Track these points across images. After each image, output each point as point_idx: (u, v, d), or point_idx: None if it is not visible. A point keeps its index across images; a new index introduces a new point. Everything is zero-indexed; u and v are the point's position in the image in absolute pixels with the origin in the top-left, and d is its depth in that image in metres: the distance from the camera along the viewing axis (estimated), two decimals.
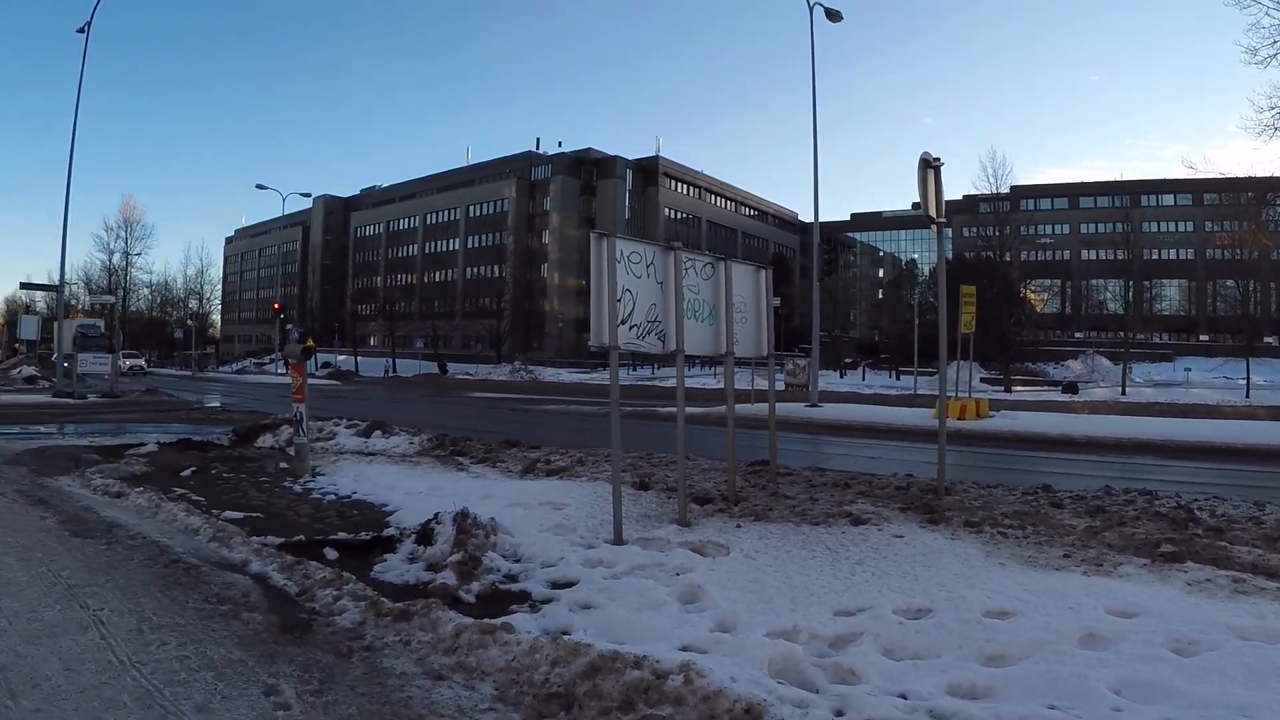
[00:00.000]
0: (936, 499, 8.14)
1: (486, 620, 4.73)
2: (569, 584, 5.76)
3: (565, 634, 4.56)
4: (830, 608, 5.05)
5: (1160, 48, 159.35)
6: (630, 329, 6.92)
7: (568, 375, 60.43)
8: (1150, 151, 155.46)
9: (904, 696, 3.83)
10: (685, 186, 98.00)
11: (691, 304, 7.57)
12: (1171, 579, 5.40)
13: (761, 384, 27.10)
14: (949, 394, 10.41)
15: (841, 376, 57.41)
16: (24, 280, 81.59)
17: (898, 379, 54.26)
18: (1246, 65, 24.53)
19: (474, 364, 73.76)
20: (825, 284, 34.31)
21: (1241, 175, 30.73)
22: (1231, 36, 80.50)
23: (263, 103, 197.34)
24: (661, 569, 5.90)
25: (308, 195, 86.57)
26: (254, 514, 8.35)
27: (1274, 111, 21.75)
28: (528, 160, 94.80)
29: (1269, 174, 30.60)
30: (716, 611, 5.01)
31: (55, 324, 34.14)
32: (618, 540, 6.68)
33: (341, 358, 75.76)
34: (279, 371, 60.74)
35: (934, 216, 9.07)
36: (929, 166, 8.87)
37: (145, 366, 59.97)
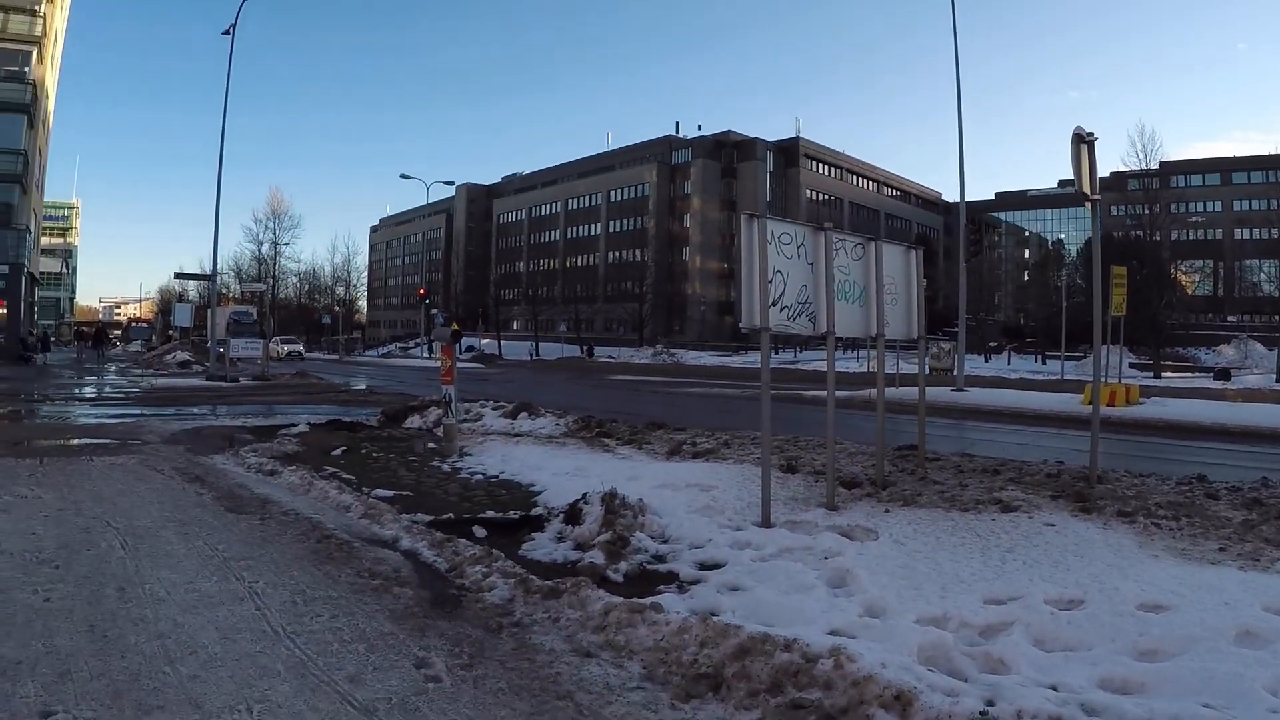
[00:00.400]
0: (1088, 487, 7.88)
1: (635, 600, 4.80)
2: (717, 565, 5.79)
3: (713, 615, 4.58)
4: (980, 596, 4.98)
5: None
6: (781, 310, 6.86)
7: (709, 358, 60.15)
8: None
9: (1055, 688, 3.75)
10: (826, 167, 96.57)
11: (842, 285, 7.47)
12: None
13: (906, 367, 26.67)
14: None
15: (986, 360, 56.00)
16: (178, 270, 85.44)
17: (1044, 363, 52.60)
18: None
19: (616, 347, 74.34)
20: (970, 265, 33.45)
21: None
22: None
23: (406, 95, 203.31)
24: (809, 552, 5.87)
25: (450, 184, 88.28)
26: (403, 492, 8.61)
27: None
28: (668, 144, 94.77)
29: None
30: (865, 596, 4.97)
31: (208, 311, 35.49)
32: (765, 523, 6.67)
33: (485, 341, 77.17)
34: (424, 355, 62.33)
35: (1088, 194, 8.77)
36: (1082, 142, 8.57)
37: (303, 352, 62.30)
